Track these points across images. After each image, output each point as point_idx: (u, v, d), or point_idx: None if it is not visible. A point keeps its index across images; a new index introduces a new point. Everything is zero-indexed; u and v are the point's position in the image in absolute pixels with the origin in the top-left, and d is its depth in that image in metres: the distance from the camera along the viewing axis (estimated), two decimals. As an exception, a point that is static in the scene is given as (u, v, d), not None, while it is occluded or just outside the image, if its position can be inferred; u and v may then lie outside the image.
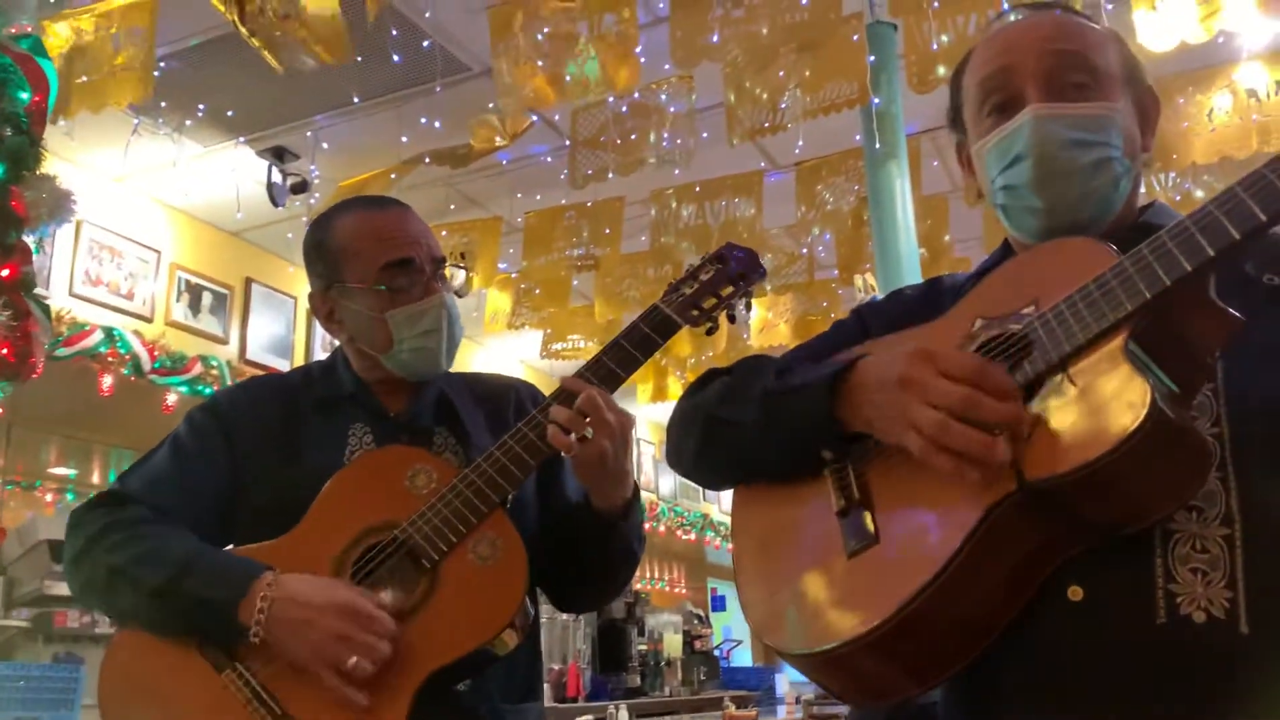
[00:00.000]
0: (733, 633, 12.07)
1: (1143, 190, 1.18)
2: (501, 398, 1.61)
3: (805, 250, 5.67)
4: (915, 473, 0.99)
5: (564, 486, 1.58)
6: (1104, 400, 0.88)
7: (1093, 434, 0.87)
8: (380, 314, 1.50)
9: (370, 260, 1.50)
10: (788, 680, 9.82)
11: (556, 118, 4.82)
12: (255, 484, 1.48)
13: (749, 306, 1.52)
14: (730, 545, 1.17)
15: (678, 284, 1.48)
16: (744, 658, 12.06)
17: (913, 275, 4.13)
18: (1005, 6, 3.49)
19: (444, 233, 5.48)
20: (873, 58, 3.92)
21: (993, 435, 0.90)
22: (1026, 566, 0.94)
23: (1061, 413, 0.91)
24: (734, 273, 1.47)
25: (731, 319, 1.51)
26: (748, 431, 1.13)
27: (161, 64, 4.17)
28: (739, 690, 7.83)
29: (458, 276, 1.62)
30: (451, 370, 1.64)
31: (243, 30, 3.63)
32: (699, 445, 1.21)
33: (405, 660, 1.29)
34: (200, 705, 1.33)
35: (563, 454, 1.37)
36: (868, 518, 1.02)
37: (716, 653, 8.75)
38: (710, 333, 1.49)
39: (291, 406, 1.55)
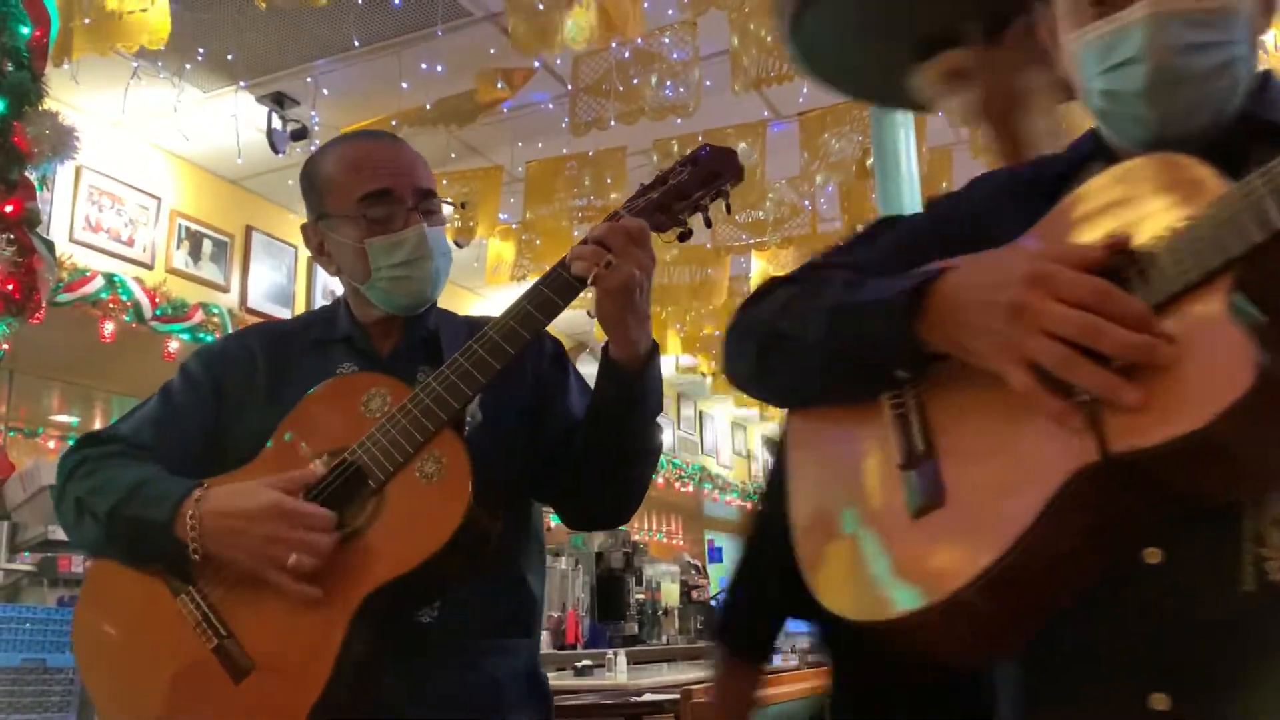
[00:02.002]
0: (728, 583, 12.18)
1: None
2: None
3: (808, 203, 5.65)
4: (987, 416, 0.90)
5: (567, 407, 1.56)
6: (1201, 361, 0.77)
7: (1188, 401, 0.76)
8: (359, 243, 1.50)
9: (350, 190, 1.51)
10: (783, 629, 9.92)
11: (559, 63, 4.77)
12: (240, 424, 1.50)
13: (728, 209, 1.44)
14: (789, 470, 1.07)
15: (645, 188, 1.42)
16: (740, 609, 12.17)
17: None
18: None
19: (444, 181, 5.44)
20: (880, 4, 3.88)
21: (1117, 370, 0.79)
22: (1106, 537, 0.86)
23: (1152, 374, 0.79)
24: (706, 173, 1.40)
25: (707, 223, 1.44)
26: (811, 350, 1.03)
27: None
28: (735, 640, 7.91)
29: (446, 209, 1.58)
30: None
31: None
32: (755, 363, 1.10)
33: (346, 580, 1.28)
34: (155, 630, 1.37)
35: (589, 281, 1.32)
36: (932, 471, 0.93)
37: (713, 602, 8.86)
38: (683, 238, 1.42)
39: (285, 350, 1.57)
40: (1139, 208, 0.87)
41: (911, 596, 0.88)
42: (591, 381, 1.49)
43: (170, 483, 1.39)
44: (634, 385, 1.41)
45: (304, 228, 1.61)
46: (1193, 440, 0.75)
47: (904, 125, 4.15)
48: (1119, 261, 0.86)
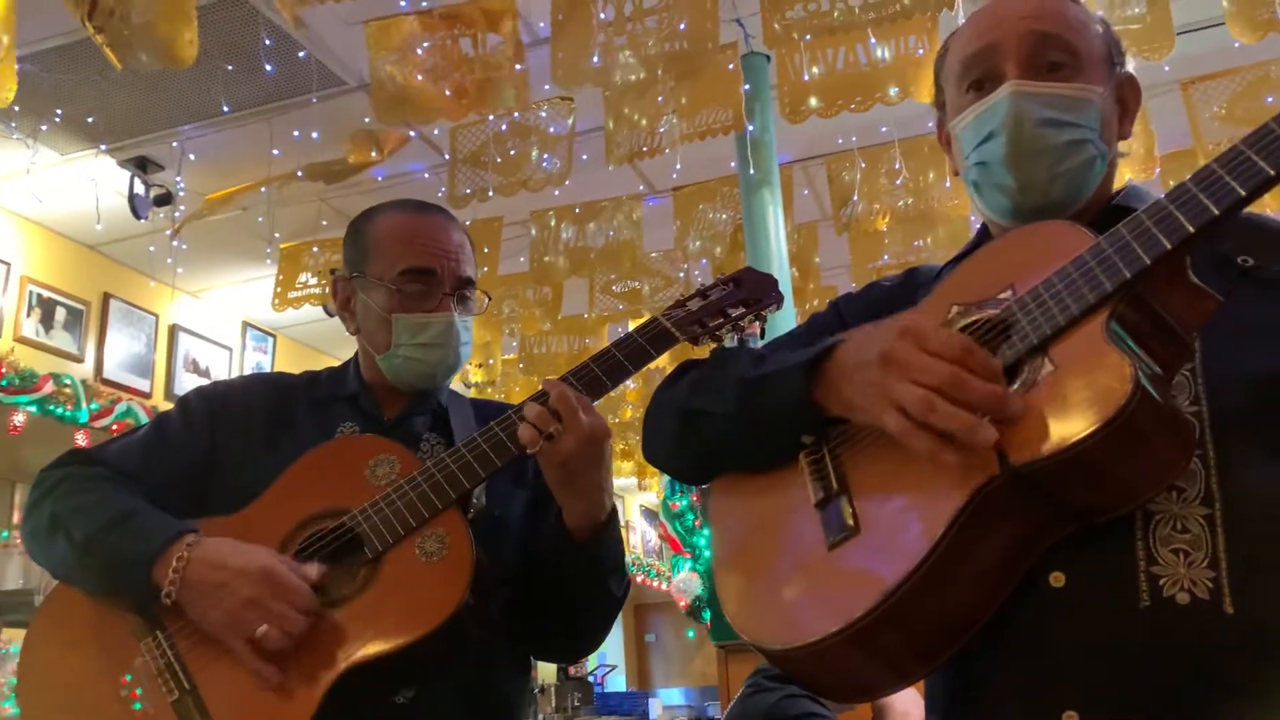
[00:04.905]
0: (607, 658, 12.05)
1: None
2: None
3: (683, 274, 5.77)
4: (895, 457, 0.96)
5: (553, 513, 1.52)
6: (1087, 382, 0.86)
7: (1076, 416, 0.84)
8: (388, 313, 1.50)
9: (395, 260, 1.51)
10: (661, 704, 9.85)
11: (435, 133, 4.79)
12: (232, 469, 1.47)
13: (763, 333, 1.46)
14: (711, 535, 1.15)
15: (685, 299, 1.45)
16: (618, 683, 12.04)
17: (784, 300, 4.25)
18: (872, 41, 3.66)
19: (315, 249, 5.36)
20: (747, 86, 4.04)
21: (977, 416, 0.87)
22: (1012, 553, 0.92)
23: (1044, 396, 0.88)
24: (748, 294, 1.44)
25: (742, 343, 1.46)
26: (724, 422, 1.10)
27: (16, 66, 3.98)
28: (612, 715, 7.82)
29: (482, 302, 1.60)
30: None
31: (89, 26, 3.51)
32: (676, 439, 1.18)
33: (327, 649, 1.24)
34: (112, 672, 1.29)
35: (528, 450, 1.32)
36: (846, 507, 0.99)
37: (590, 678, 8.74)
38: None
39: (286, 401, 1.54)
40: (1019, 265, 0.98)
41: (831, 619, 0.91)
42: None
43: (160, 520, 1.34)
44: (585, 551, 1.39)
45: (336, 278, 1.60)
46: (1088, 445, 0.83)
47: (772, 203, 4.32)
48: (983, 321, 0.95)
